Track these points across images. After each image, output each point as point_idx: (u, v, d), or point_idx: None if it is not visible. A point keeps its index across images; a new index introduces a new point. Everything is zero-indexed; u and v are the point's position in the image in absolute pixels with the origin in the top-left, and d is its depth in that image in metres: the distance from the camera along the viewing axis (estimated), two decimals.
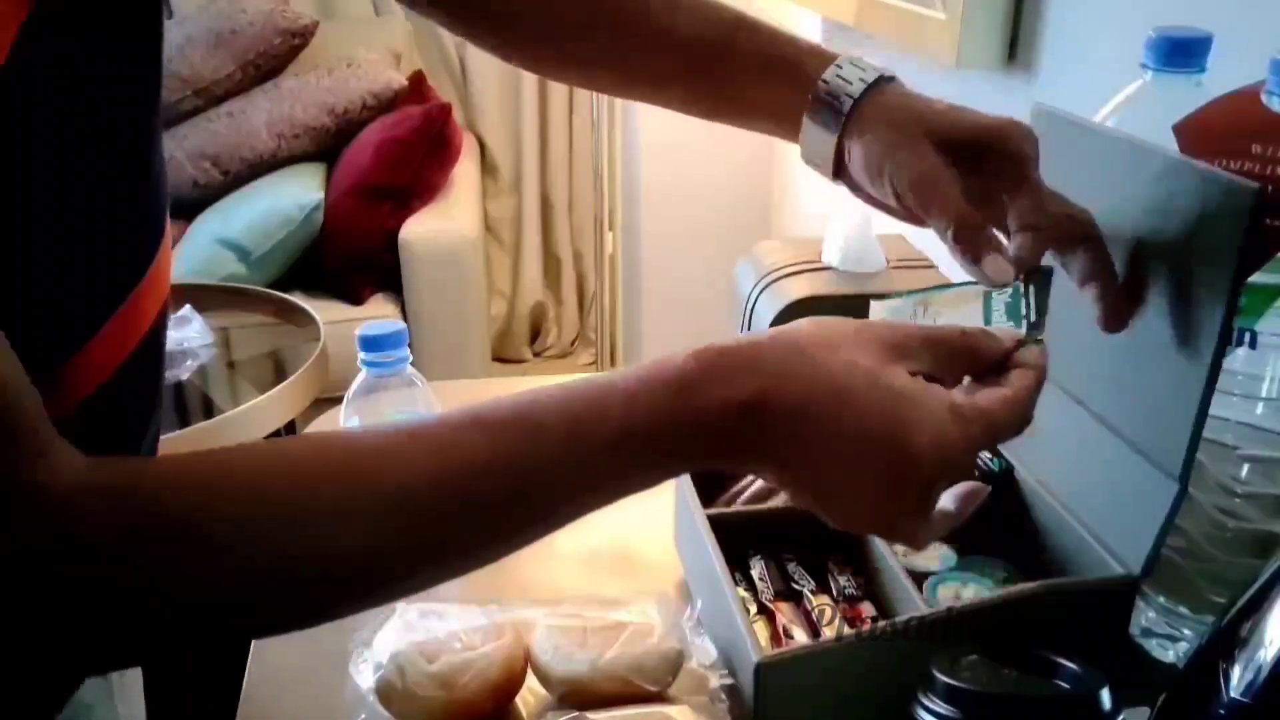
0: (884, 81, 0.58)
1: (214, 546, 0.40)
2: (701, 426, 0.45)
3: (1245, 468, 0.63)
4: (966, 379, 0.51)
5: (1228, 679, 0.44)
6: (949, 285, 0.61)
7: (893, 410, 0.45)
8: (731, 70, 0.63)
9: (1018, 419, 0.49)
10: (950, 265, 0.61)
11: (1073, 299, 0.58)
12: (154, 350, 0.54)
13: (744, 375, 0.45)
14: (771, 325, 0.90)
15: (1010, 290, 0.57)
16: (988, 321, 0.57)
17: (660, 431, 0.44)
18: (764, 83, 0.62)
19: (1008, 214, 0.56)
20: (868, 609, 0.69)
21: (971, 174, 0.57)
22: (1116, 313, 0.58)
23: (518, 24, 0.68)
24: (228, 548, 0.40)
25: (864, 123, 0.58)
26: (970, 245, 0.54)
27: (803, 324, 0.48)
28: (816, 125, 0.59)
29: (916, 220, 0.61)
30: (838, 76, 0.59)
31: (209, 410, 1.66)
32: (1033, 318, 0.55)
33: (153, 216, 0.52)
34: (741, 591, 0.69)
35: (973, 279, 0.56)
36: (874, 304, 0.62)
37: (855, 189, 0.62)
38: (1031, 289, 0.56)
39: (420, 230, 2.33)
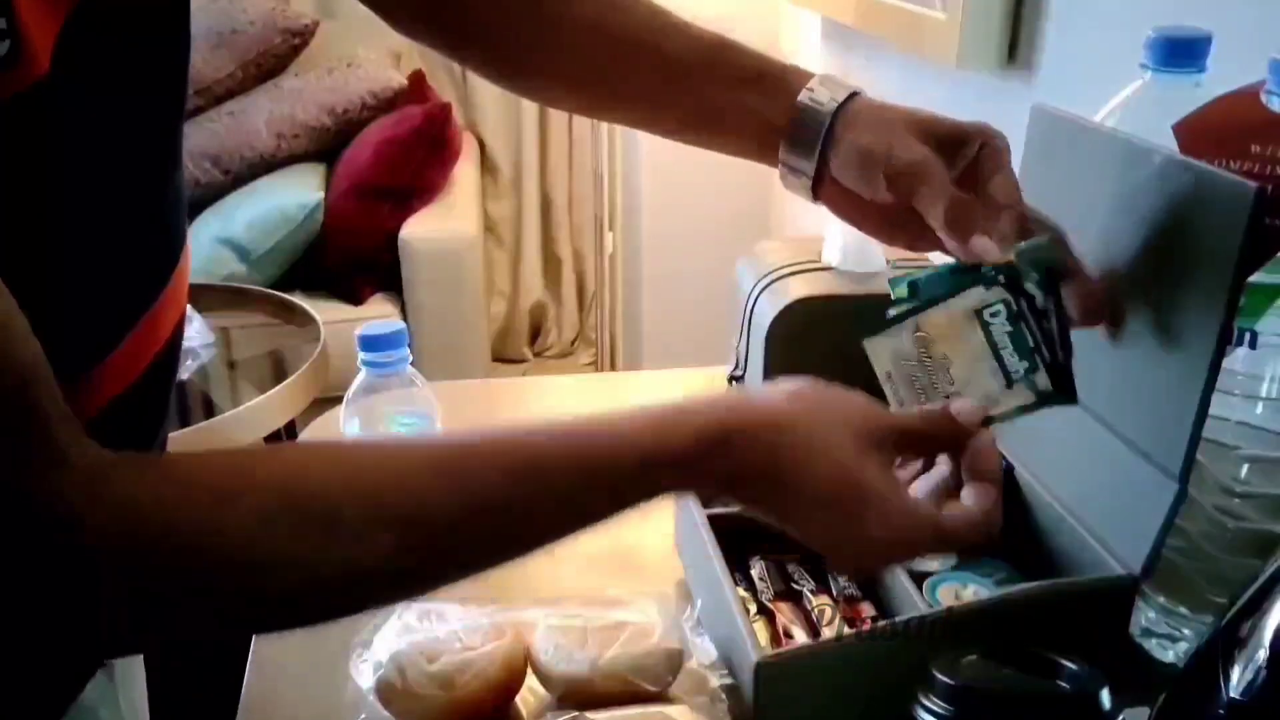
0: (856, 95, 0.62)
1: (240, 555, 0.42)
2: (696, 484, 0.54)
3: (1245, 468, 0.63)
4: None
5: (1227, 679, 0.44)
6: (926, 267, 0.59)
7: (851, 493, 0.51)
8: (721, 84, 0.65)
9: (973, 535, 0.53)
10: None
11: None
12: (170, 359, 0.55)
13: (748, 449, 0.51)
14: (771, 324, 0.91)
15: (1004, 311, 0.56)
16: (995, 355, 0.56)
17: (662, 488, 0.51)
18: (754, 93, 0.64)
19: (987, 196, 0.58)
20: (868, 609, 0.69)
21: (950, 168, 0.59)
22: (1091, 309, 0.59)
23: (501, 45, 0.68)
24: (260, 558, 0.42)
25: (850, 125, 0.61)
26: (961, 225, 0.57)
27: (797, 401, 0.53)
28: (798, 140, 0.63)
29: (891, 234, 0.63)
30: (821, 85, 0.63)
31: (209, 410, 1.66)
32: (1044, 355, 0.55)
33: (175, 226, 0.54)
34: (741, 591, 0.69)
35: (957, 259, 0.57)
36: (868, 345, 0.59)
37: (836, 205, 0.65)
38: (1024, 305, 0.55)
39: (420, 230, 2.32)
